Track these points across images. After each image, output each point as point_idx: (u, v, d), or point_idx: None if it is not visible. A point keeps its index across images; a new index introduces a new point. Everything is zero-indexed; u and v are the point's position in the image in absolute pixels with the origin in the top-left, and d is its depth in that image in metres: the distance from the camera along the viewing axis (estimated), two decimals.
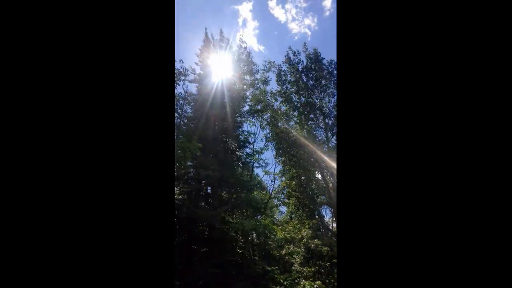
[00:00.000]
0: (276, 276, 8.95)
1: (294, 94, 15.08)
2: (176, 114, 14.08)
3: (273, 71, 16.11)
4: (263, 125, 15.30)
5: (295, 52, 15.56)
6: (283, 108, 15.50)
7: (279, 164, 15.37)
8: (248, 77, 15.87)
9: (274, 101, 15.77)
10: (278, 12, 40.88)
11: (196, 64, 15.16)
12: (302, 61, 15.52)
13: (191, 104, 14.54)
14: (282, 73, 15.91)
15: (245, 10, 42.26)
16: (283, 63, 16.17)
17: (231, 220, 11.31)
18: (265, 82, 15.49)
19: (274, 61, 15.98)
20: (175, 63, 13.19)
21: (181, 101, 14.42)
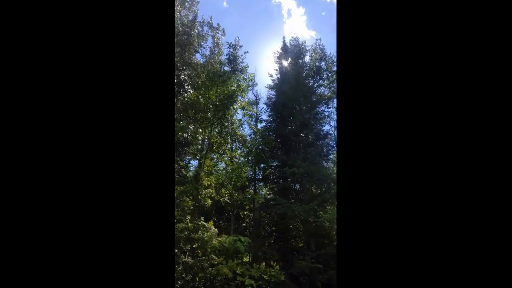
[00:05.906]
0: None
1: None
2: (252, 117, 14.87)
3: None
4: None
5: None
6: None
7: None
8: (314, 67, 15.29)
9: None
10: None
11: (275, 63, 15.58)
12: None
13: (268, 105, 15.02)
14: None
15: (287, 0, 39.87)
16: None
17: (323, 213, 11.32)
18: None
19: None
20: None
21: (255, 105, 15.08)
